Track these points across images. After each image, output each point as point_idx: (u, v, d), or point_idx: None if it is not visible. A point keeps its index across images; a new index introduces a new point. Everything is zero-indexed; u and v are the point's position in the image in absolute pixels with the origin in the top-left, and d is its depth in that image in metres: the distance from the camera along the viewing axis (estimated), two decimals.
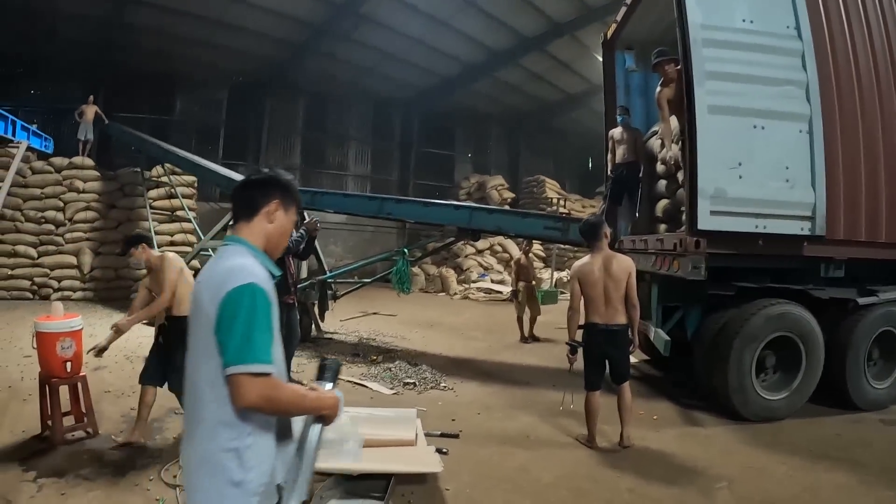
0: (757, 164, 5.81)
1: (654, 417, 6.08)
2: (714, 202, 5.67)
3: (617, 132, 8.02)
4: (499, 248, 19.38)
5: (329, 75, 19.58)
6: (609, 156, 8.16)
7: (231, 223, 2.09)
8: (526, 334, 10.01)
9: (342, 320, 10.95)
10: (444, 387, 6.84)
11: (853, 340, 6.42)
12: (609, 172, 8.20)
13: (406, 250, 9.31)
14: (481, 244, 18.70)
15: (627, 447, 5.12)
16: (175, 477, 4.13)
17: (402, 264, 8.99)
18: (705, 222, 5.65)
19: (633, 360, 8.50)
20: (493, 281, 17.83)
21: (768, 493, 4.35)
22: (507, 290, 15.40)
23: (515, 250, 17.98)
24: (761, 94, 5.91)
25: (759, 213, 5.81)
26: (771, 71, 5.96)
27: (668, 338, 6.32)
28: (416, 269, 17.89)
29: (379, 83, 20.44)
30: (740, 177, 5.74)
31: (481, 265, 18.74)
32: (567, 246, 15.72)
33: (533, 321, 10.08)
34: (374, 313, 12.52)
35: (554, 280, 16.71)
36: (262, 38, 17.04)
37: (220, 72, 18.90)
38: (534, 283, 10.27)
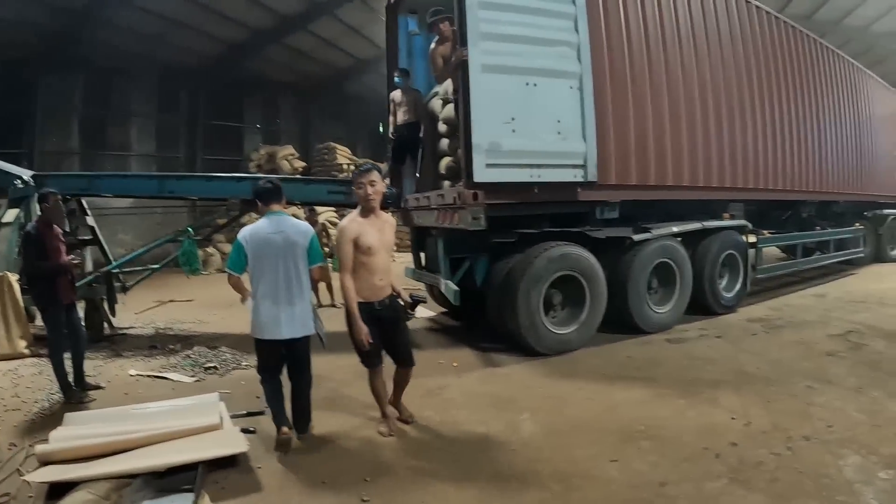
0: (530, 118, 6.24)
1: (455, 364, 6.40)
2: (489, 155, 6.02)
3: (397, 94, 8.20)
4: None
5: (110, 45, 17.60)
6: (391, 118, 8.34)
7: (264, 204, 4.48)
8: (324, 301, 9.94)
9: (137, 313, 10.13)
10: (247, 365, 6.55)
11: (632, 273, 7.22)
12: (390, 134, 8.40)
13: (190, 229, 8.74)
14: None
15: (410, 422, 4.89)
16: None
17: (187, 245, 8.49)
18: (481, 175, 6.00)
19: (430, 313, 9.00)
20: None
21: (571, 418, 4.76)
22: None
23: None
24: (535, 53, 6.34)
25: (533, 163, 6.28)
26: (545, 32, 6.40)
27: (456, 288, 6.70)
28: (211, 249, 17.04)
29: (164, 52, 18.90)
30: (514, 131, 6.14)
31: None
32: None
33: (329, 289, 10.02)
34: (171, 301, 11.83)
35: None
36: (32, 4, 15.09)
37: None
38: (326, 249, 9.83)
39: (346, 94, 25.18)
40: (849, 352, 6.54)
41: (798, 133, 10.12)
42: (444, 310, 9.00)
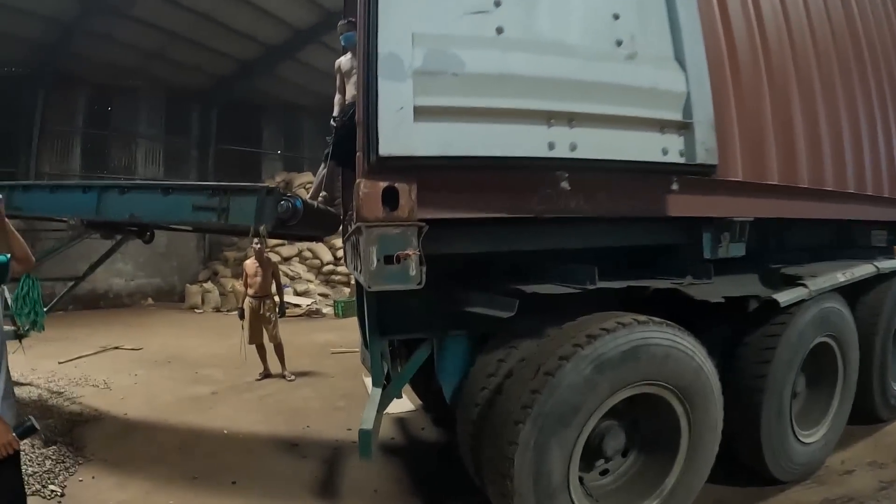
0: (542, 5, 2.37)
1: None
2: (425, 91, 2.09)
3: (345, 60, 4.79)
4: (308, 254, 15.29)
5: (108, 62, 15.38)
6: (337, 96, 4.99)
7: None
8: (273, 371, 6.87)
9: (61, 362, 7.59)
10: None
11: (772, 371, 3.22)
12: (332, 119, 4.90)
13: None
14: (287, 250, 14.64)
15: None
16: None
17: (25, 287, 5.28)
18: (399, 139, 2.03)
19: (406, 407, 5.12)
20: (296, 293, 13.67)
21: None
22: (305, 302, 11.65)
23: (327, 254, 14.14)
24: None
25: (552, 109, 2.28)
26: None
27: (375, 413, 2.79)
28: (208, 286, 14.12)
29: (168, 70, 16.52)
30: (501, 30, 2.25)
31: (287, 275, 13.98)
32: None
33: (279, 350, 6.79)
34: (116, 348, 8.95)
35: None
36: (19, 16, 12.72)
37: None
38: (275, 295, 6.97)
39: None
40: None
41: None
42: (420, 403, 5.15)
